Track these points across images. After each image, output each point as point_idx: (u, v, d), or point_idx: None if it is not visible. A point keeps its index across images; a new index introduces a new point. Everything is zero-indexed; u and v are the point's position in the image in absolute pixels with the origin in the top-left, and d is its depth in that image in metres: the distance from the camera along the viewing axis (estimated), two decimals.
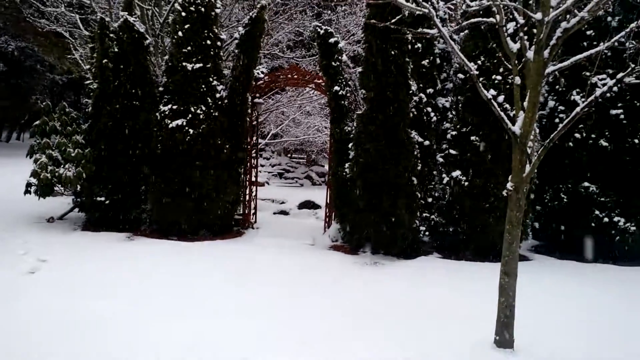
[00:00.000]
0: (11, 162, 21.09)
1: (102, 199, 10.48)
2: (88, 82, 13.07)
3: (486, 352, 5.14)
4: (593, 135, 10.12)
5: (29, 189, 10.43)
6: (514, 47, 5.15)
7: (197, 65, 10.23)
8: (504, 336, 5.19)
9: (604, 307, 6.92)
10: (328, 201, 11.45)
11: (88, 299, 6.36)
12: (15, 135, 38.36)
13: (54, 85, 35.31)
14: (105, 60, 10.60)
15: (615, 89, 9.17)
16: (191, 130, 10.09)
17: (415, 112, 9.91)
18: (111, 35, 10.65)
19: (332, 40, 10.38)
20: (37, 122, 10.87)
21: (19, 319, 5.55)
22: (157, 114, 10.41)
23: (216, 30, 10.61)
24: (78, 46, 15.62)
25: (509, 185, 5.10)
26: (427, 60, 10.38)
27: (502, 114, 5.08)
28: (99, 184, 10.53)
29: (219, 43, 10.68)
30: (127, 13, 10.73)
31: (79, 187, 10.59)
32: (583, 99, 4.99)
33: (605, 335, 5.83)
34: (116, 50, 10.62)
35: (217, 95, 10.53)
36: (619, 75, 4.82)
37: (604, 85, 5.04)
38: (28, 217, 11.22)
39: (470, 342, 5.38)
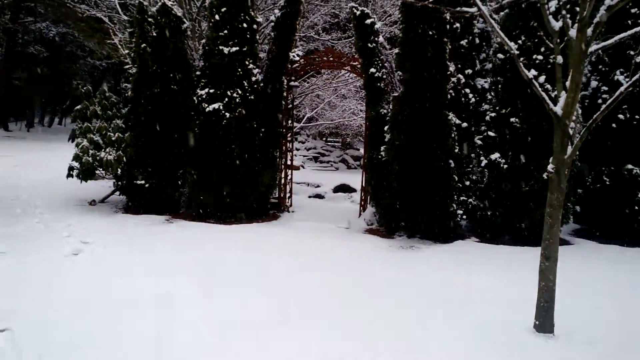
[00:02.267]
0: (54, 146, 21.70)
1: (142, 182, 10.67)
2: (127, 66, 13.27)
3: (525, 337, 5.08)
4: (637, 116, 9.81)
5: (71, 172, 10.70)
6: (556, 25, 5.00)
7: (234, 49, 10.26)
8: (544, 321, 5.11)
9: None
10: (363, 185, 11.42)
11: (129, 278, 6.51)
12: (57, 120, 39.28)
13: (94, 70, 36.01)
14: (144, 44, 10.72)
15: None
16: (227, 114, 10.16)
17: (453, 94, 9.76)
18: (149, 19, 10.76)
19: (368, 21, 10.28)
20: (79, 107, 11.13)
21: (63, 299, 5.71)
22: (195, 97, 10.51)
23: (252, 14, 10.61)
24: (117, 31, 15.82)
25: (550, 167, 4.99)
26: (466, 40, 10.20)
27: (543, 94, 4.96)
28: (139, 168, 10.72)
29: (255, 26, 10.68)
30: None
31: (119, 170, 10.80)
32: (627, 79, 4.83)
33: None
34: (154, 34, 10.73)
35: (253, 78, 10.56)
36: None
37: None
38: (71, 200, 11.52)
39: (509, 326, 5.32)
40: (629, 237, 9.81)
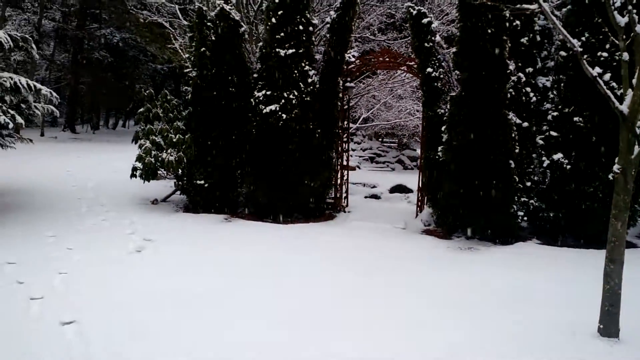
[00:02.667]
0: (118, 147, 22.49)
1: (202, 182, 10.93)
2: (187, 70, 13.61)
3: (590, 341, 4.94)
4: None
5: (134, 172, 11.08)
6: (622, 20, 4.84)
7: (290, 51, 10.38)
8: (609, 325, 4.96)
9: None
10: (420, 185, 11.32)
11: (189, 275, 6.71)
12: (120, 122, 40.67)
13: (156, 74, 37.10)
14: (203, 48, 10.97)
15: None
16: (284, 115, 10.28)
17: (512, 93, 9.55)
18: (208, 24, 11.00)
19: (425, 20, 10.19)
20: (142, 110, 11.53)
21: (126, 294, 5.94)
22: (252, 99, 10.69)
23: (308, 16, 10.70)
24: (177, 36, 16.27)
25: (616, 167, 4.83)
26: (526, 38, 9.94)
27: (608, 92, 4.81)
28: (199, 168, 10.99)
29: (311, 28, 10.77)
30: (223, 1, 11.03)
31: (180, 171, 11.09)
32: None
33: None
34: (213, 38, 10.97)
35: (309, 80, 10.65)
36: None
37: None
38: (134, 199, 11.93)
39: (573, 330, 5.18)
40: None
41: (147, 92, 11.84)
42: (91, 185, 13.53)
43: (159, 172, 11.19)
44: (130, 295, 5.89)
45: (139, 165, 10.97)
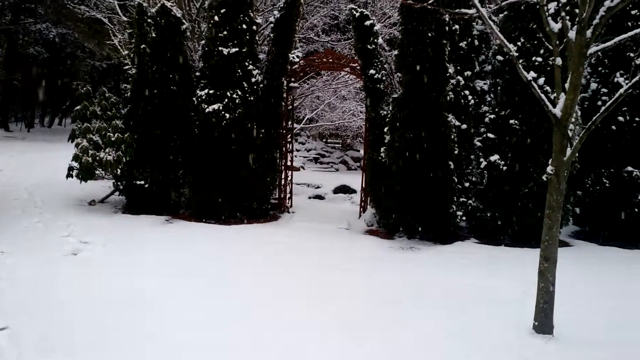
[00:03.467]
0: (54, 146, 21.68)
1: (142, 182, 10.67)
2: (127, 67, 13.28)
3: (525, 338, 5.08)
4: (637, 119, 9.82)
5: (71, 172, 10.71)
6: (555, 27, 5.01)
7: (233, 50, 10.27)
8: (543, 322, 5.11)
9: None
10: (363, 186, 11.42)
11: (127, 278, 6.51)
12: (57, 120, 39.26)
13: (94, 71, 36.00)
14: (143, 45, 10.73)
15: None
16: (227, 115, 10.17)
17: (452, 95, 9.76)
18: (149, 20, 10.76)
19: (367, 22, 10.28)
20: (78, 107, 11.14)
21: (60, 298, 5.72)
22: (194, 98, 10.52)
23: (252, 15, 10.62)
24: (117, 32, 15.85)
25: (549, 169, 4.99)
26: (465, 42, 10.19)
27: (542, 96, 4.96)
28: (138, 168, 10.73)
29: (254, 27, 10.69)
30: None
31: (118, 171, 10.79)
32: (627, 81, 4.82)
33: None
34: (154, 35, 10.74)
35: (253, 79, 10.57)
36: None
37: None
38: (71, 200, 11.52)
39: (509, 327, 5.32)
40: (629, 239, 9.81)
41: (85, 89, 11.44)
42: (26, 185, 12.97)
43: (97, 172, 10.85)
44: (65, 300, 5.67)
45: (75, 165, 10.60)
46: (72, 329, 4.93)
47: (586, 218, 10.70)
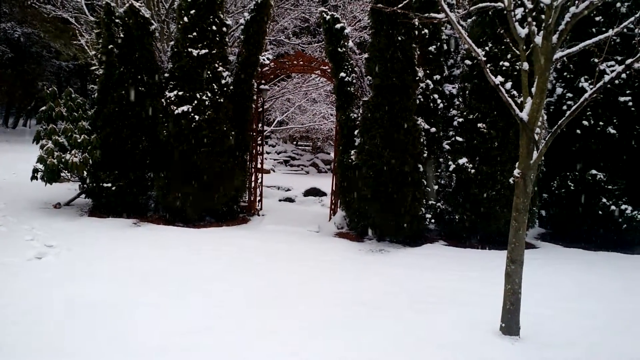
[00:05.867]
0: (18, 148, 21.18)
1: (109, 185, 10.49)
2: (94, 68, 13.07)
3: (492, 339, 5.14)
4: (601, 123, 10.04)
5: (35, 174, 10.46)
6: (522, 32, 5.08)
7: (203, 51, 10.19)
8: (510, 323, 5.18)
9: (609, 295, 6.89)
10: (334, 188, 11.43)
11: (91, 282, 6.38)
12: (22, 121, 38.43)
13: (61, 71, 35.33)
14: (111, 46, 10.57)
15: (623, 75, 9.11)
16: (197, 117, 10.07)
17: (421, 99, 9.86)
18: (117, 21, 10.61)
19: (338, 26, 10.31)
20: (44, 108, 10.90)
21: (21, 304, 5.58)
22: (163, 100, 10.40)
23: (222, 16, 10.54)
24: (84, 32, 15.59)
25: (516, 172, 5.06)
26: (434, 47, 10.31)
27: (509, 100, 5.03)
28: (105, 170, 10.54)
29: (224, 29, 10.62)
30: None
31: (85, 173, 10.59)
32: (591, 86, 4.93)
33: (611, 323, 5.82)
34: (122, 36, 10.59)
35: (223, 81, 10.49)
36: (628, 62, 4.75)
37: (612, 71, 4.98)
38: (35, 202, 11.26)
39: (475, 328, 5.37)
40: (593, 240, 10.03)
41: (50, 89, 11.21)
42: None
43: (63, 174, 10.63)
44: (26, 306, 5.52)
45: (40, 166, 10.36)
46: (26, 335, 4.81)
47: (552, 220, 10.90)
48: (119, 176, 10.54)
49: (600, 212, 9.94)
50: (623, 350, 5.05)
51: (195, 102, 10.13)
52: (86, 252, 7.86)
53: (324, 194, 15.78)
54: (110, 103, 10.57)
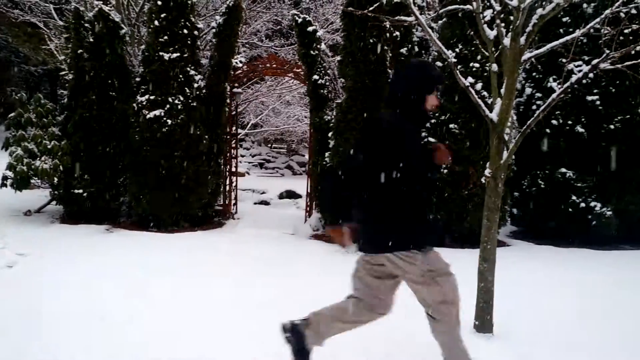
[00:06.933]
0: None
1: (80, 191, 10.36)
2: (63, 73, 12.89)
3: (466, 337, 5.14)
4: (570, 122, 10.24)
5: (4, 182, 10.28)
6: (491, 34, 5.16)
7: (174, 55, 10.13)
8: (484, 321, 5.23)
9: (581, 291, 7.02)
10: (309, 191, 11.45)
11: (63, 290, 6.28)
12: None
13: (30, 76, 34.69)
14: (81, 50, 10.45)
15: (590, 75, 9.26)
16: (169, 121, 10.00)
17: None
18: (86, 25, 10.50)
19: (310, 28, 10.35)
20: (12, 114, 10.71)
21: None
22: (135, 104, 10.31)
23: (193, 19, 10.50)
24: (53, 37, 15.36)
25: (487, 172, 5.12)
26: (406, 49, 10.38)
27: (479, 101, 5.10)
28: (76, 177, 10.41)
29: (196, 32, 10.58)
30: (101, 2, 10.60)
31: (55, 179, 10.43)
32: (559, 86, 5.02)
33: (582, 318, 5.92)
34: (91, 40, 10.47)
35: (195, 85, 10.44)
36: (595, 62, 4.85)
37: (579, 71, 5.08)
38: (5, 210, 11.06)
39: None
40: (564, 237, 10.20)
41: (19, 95, 11.04)
42: None
43: (33, 181, 10.46)
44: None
45: (9, 174, 10.18)
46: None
47: (524, 218, 11.08)
48: (91, 182, 10.41)
49: (570, 210, 10.11)
50: (597, 344, 5.14)
51: (168, 106, 10.06)
52: (56, 259, 7.74)
53: (299, 196, 15.78)
54: (81, 108, 10.44)
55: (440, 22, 10.22)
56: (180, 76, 10.23)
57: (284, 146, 26.11)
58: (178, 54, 10.16)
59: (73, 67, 10.68)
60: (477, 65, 9.54)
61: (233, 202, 12.48)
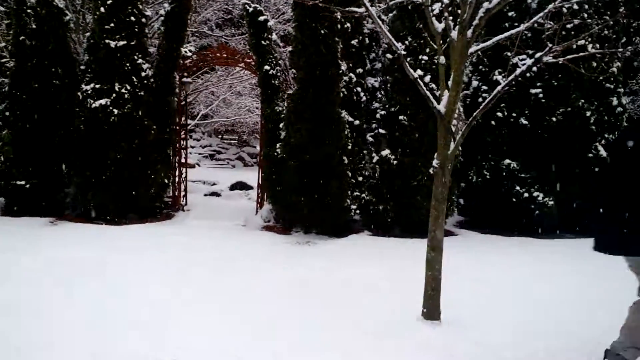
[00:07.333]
0: None
1: (22, 182, 10.03)
2: (4, 60, 12.38)
3: (414, 324, 5.29)
4: (514, 114, 10.52)
5: None
6: (439, 27, 5.23)
7: (121, 43, 9.89)
8: (431, 308, 5.34)
9: (525, 277, 7.26)
10: (260, 182, 11.40)
11: (6, 285, 6.09)
12: None
13: None
14: (23, 37, 10.08)
15: (534, 68, 9.56)
16: (116, 110, 9.78)
17: (345, 92, 9.98)
18: (29, 11, 10.12)
19: (261, 18, 10.27)
20: None
21: None
22: (79, 93, 10.03)
23: (140, 7, 10.28)
24: None
25: (435, 162, 5.22)
26: (357, 40, 10.45)
27: (428, 93, 5.18)
28: (18, 167, 10.07)
29: (143, 20, 10.37)
30: None
31: None
32: (504, 79, 5.15)
33: (527, 305, 6.12)
34: (34, 27, 10.10)
35: (143, 74, 10.23)
36: (537, 55, 5.01)
37: (524, 65, 5.22)
38: None
39: (399, 314, 5.51)
40: (508, 226, 10.50)
41: None
42: None
43: None
44: None
45: None
46: None
47: (470, 208, 11.35)
48: (33, 173, 10.09)
49: (514, 200, 10.43)
50: (545, 328, 5.32)
51: (114, 95, 9.83)
52: None
53: (251, 188, 15.68)
54: (23, 97, 10.09)
55: (390, 14, 10.30)
56: (127, 65, 10.00)
57: (235, 137, 25.83)
58: (125, 42, 9.93)
59: (15, 54, 10.30)
60: (426, 57, 9.68)
61: (183, 193, 12.31)
